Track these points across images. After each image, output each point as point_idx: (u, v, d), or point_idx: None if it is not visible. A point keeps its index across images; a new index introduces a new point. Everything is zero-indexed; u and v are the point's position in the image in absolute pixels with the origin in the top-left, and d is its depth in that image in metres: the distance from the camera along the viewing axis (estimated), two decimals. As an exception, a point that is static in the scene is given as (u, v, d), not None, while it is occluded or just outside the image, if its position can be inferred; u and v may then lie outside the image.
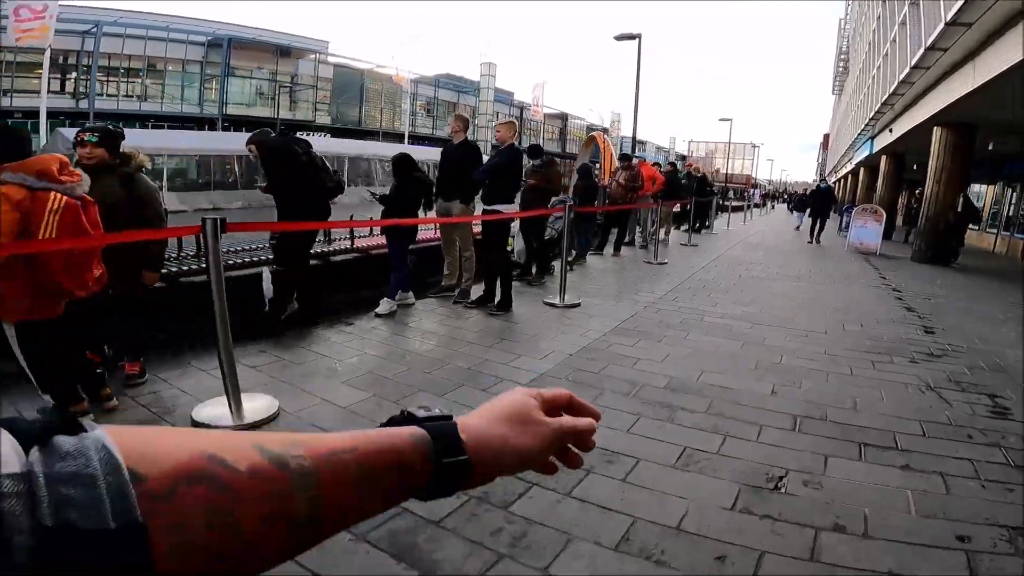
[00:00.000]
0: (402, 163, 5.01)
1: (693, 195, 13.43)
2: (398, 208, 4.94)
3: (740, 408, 3.13)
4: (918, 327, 5.32)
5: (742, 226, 18.77)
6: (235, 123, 27.79)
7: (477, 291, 5.40)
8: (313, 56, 32.69)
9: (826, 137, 65.94)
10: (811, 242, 12.91)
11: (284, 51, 31.03)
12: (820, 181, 15.43)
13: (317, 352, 3.79)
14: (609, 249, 9.22)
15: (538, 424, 0.49)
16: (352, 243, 5.72)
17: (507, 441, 0.47)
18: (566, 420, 0.52)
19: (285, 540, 0.35)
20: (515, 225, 6.91)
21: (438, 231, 5.98)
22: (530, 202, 6.40)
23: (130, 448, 0.29)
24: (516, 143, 5.24)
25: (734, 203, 28.13)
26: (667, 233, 11.49)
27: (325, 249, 5.54)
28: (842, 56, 38.35)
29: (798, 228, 18.46)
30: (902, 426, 3.01)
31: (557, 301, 5.51)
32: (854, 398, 3.36)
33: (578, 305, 5.48)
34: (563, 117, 54.58)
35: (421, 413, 0.46)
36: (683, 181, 13.82)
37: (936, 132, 10.77)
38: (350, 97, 34.66)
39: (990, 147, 11.76)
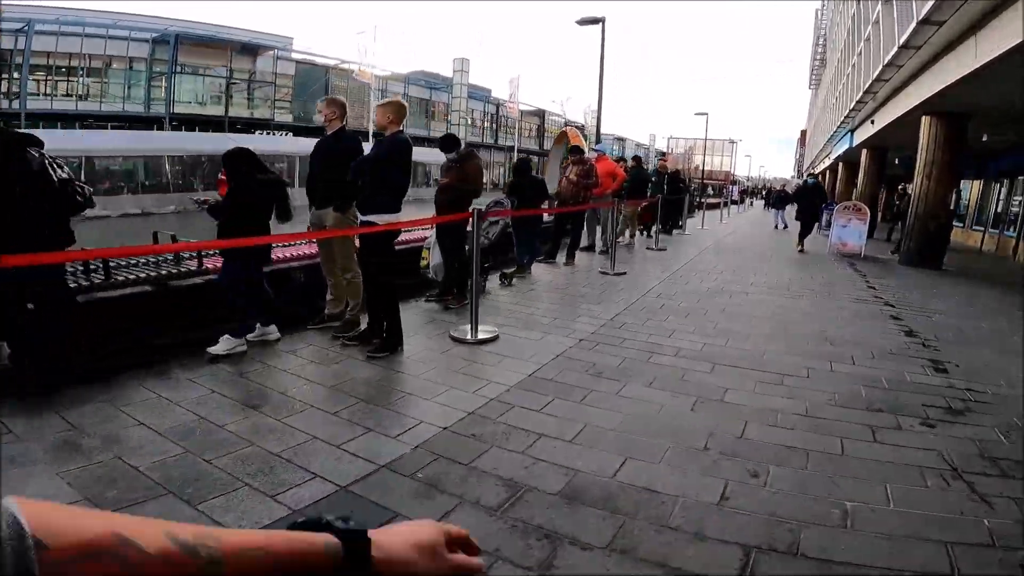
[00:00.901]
0: (237, 159, 3.76)
1: (662, 193, 12.34)
2: (238, 221, 3.68)
3: (663, 537, 1.94)
4: (924, 362, 4.19)
5: (718, 225, 17.74)
6: (186, 123, 26.26)
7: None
8: (272, 52, 31.13)
9: (803, 133, 65.69)
10: (801, 250, 10.61)
11: (239, 48, 29.48)
12: (808, 176, 12.94)
13: (68, 423, 2.52)
14: (563, 257, 8.03)
15: (442, 559, 0.54)
16: (200, 264, 4.42)
17: (414, 567, 0.52)
18: (461, 559, 0.57)
19: None
20: (432, 235, 5.70)
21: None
22: (443, 206, 5.18)
23: (39, 519, 0.31)
24: (403, 130, 4.00)
25: (711, 200, 27.27)
26: (632, 236, 10.34)
27: (163, 272, 4.24)
28: (819, 48, 37.67)
29: (776, 227, 17.48)
30: (925, 560, 1.85)
31: (468, 335, 4.29)
32: (845, 508, 2.19)
33: (495, 339, 4.28)
34: (540, 114, 53.42)
35: (339, 524, 0.48)
36: (653, 178, 12.73)
37: (924, 122, 9.76)
38: (313, 94, 33.07)
39: (984, 139, 10.79)
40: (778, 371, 3.76)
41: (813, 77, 43.70)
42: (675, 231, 13.30)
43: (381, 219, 3.70)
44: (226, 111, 24.67)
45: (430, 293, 5.52)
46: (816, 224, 15.02)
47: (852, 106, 14.23)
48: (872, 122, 13.82)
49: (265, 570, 0.41)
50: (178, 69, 26.74)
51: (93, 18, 24.85)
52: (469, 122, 44.82)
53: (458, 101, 41.85)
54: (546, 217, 11.02)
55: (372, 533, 0.50)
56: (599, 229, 9.23)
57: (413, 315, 4.79)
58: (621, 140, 69.64)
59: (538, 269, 7.26)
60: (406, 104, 4.07)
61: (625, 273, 7.33)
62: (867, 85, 11.97)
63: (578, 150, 7.93)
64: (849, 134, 18.74)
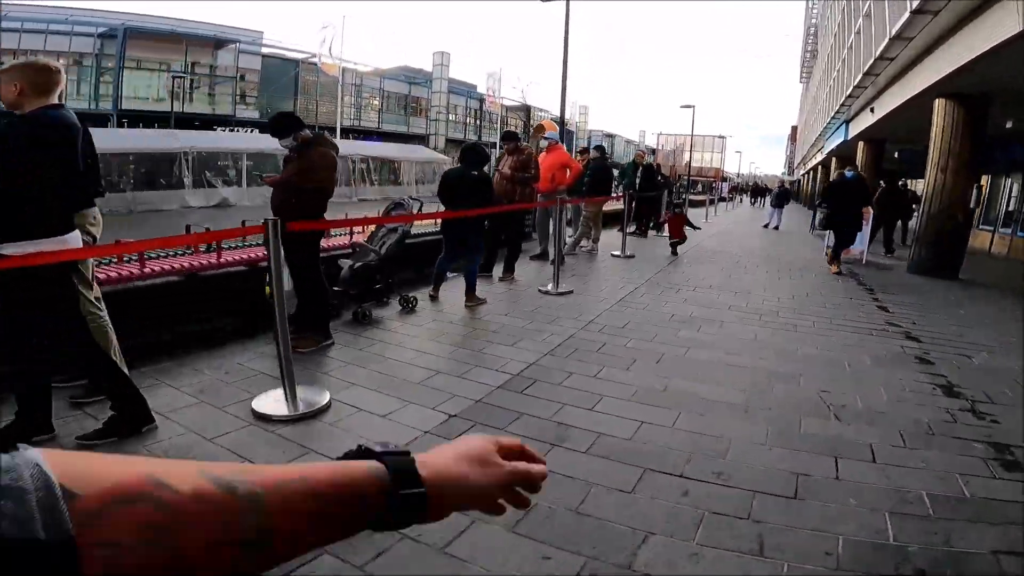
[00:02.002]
0: None
1: (634, 189, 10.82)
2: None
3: None
4: (985, 451, 2.65)
5: (703, 223, 16.22)
6: (136, 119, 24.51)
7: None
8: (234, 46, 29.42)
9: (794, 129, 64.47)
10: (838, 271, 7.79)
11: (200, 42, 27.79)
12: (847, 168, 8.77)
13: None
14: (501, 270, 6.47)
15: (496, 466, 0.52)
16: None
17: (466, 478, 0.49)
18: (520, 465, 0.54)
19: (231, 565, 0.34)
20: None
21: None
22: (279, 209, 3.62)
23: (65, 468, 0.30)
24: (60, 104, 2.46)
25: (698, 197, 25.79)
26: (595, 241, 8.79)
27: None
28: (810, 38, 36.27)
29: (767, 226, 16.00)
30: None
31: (284, 408, 2.75)
32: None
33: (323, 411, 2.75)
34: (526, 109, 51.84)
35: (378, 448, 0.46)
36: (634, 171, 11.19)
37: (939, 107, 8.27)
38: (279, 88, 31.40)
39: (1008, 125, 9.31)
40: (748, 486, 2.22)
41: (804, 70, 42.34)
42: (651, 232, 11.78)
43: (18, 248, 2.07)
44: (172, 106, 22.92)
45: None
46: (856, 235, 13.59)
47: (849, 92, 12.75)
48: (872, 110, 12.36)
49: (308, 501, 0.39)
50: (126, 64, 25.13)
51: (34, 14, 23.13)
52: (453, 117, 43.35)
53: (438, 96, 40.19)
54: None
55: (416, 455, 0.47)
56: (551, 235, 7.67)
57: (214, 376, 3.22)
58: (610, 136, 68.21)
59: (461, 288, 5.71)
60: (54, 67, 2.45)
61: (571, 292, 5.79)
62: (868, 66, 10.48)
63: (512, 136, 6.37)
64: (844, 126, 17.30)
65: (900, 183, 14.08)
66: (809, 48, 37.07)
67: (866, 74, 10.70)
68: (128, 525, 0.30)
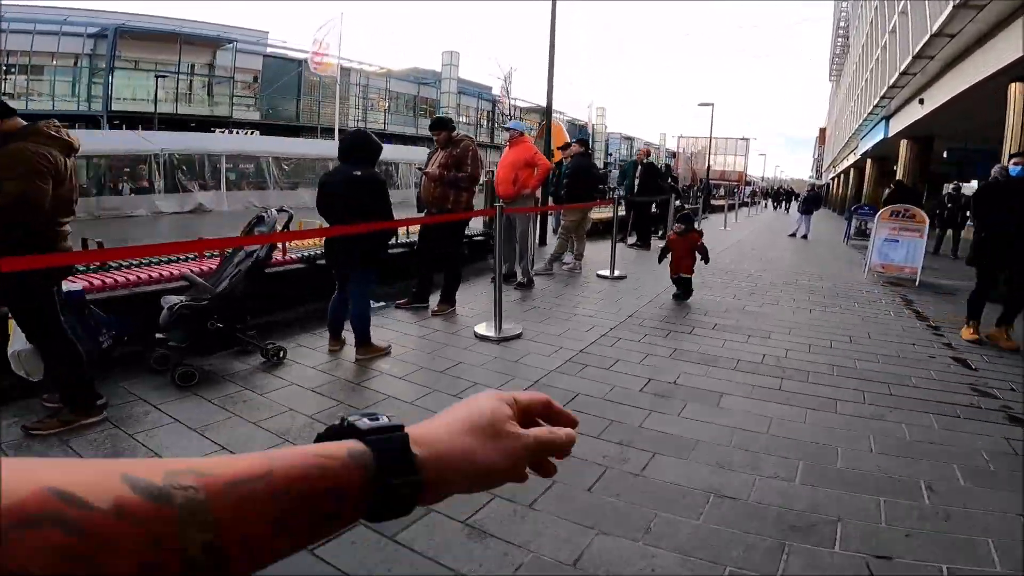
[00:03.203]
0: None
1: (631, 192, 9.19)
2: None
3: None
4: None
5: (721, 232, 14.44)
6: (130, 121, 23.60)
7: None
8: (230, 45, 28.49)
9: (822, 131, 61.57)
10: (976, 337, 4.57)
11: (194, 41, 26.96)
12: (1012, 160, 4.78)
13: None
14: (439, 299, 4.90)
15: (511, 438, 0.42)
16: None
17: (472, 456, 0.40)
18: (542, 433, 0.45)
19: None
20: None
21: None
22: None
23: None
24: None
25: (719, 202, 23.84)
26: (579, 257, 7.15)
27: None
28: (840, 34, 33.99)
29: (795, 235, 14.15)
30: None
31: None
32: None
33: None
34: (540, 111, 50.27)
35: (364, 424, 0.38)
36: (609, 171, 9.55)
37: (1015, 92, 6.50)
38: (280, 89, 30.38)
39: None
40: None
41: (833, 68, 39.95)
42: (656, 241, 10.10)
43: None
44: (155, 107, 21.98)
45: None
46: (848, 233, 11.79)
47: (893, 81, 10.90)
48: (921, 101, 10.49)
49: (269, 504, 0.31)
50: (121, 65, 24.34)
51: (26, 14, 22.49)
52: (464, 119, 42.05)
53: (447, 96, 38.83)
54: (478, 224, 7.84)
55: (410, 428, 0.39)
56: (518, 249, 6.08)
57: None
58: (629, 139, 66.13)
59: (391, 326, 4.16)
60: None
61: (519, 336, 4.20)
62: (919, 47, 8.69)
63: (443, 124, 4.76)
64: (884, 123, 15.35)
65: (951, 187, 12.18)
66: (839, 44, 34.77)
67: (917, 57, 8.90)
68: (34, 554, 0.24)
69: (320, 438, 0.38)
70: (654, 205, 12.56)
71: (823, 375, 3.62)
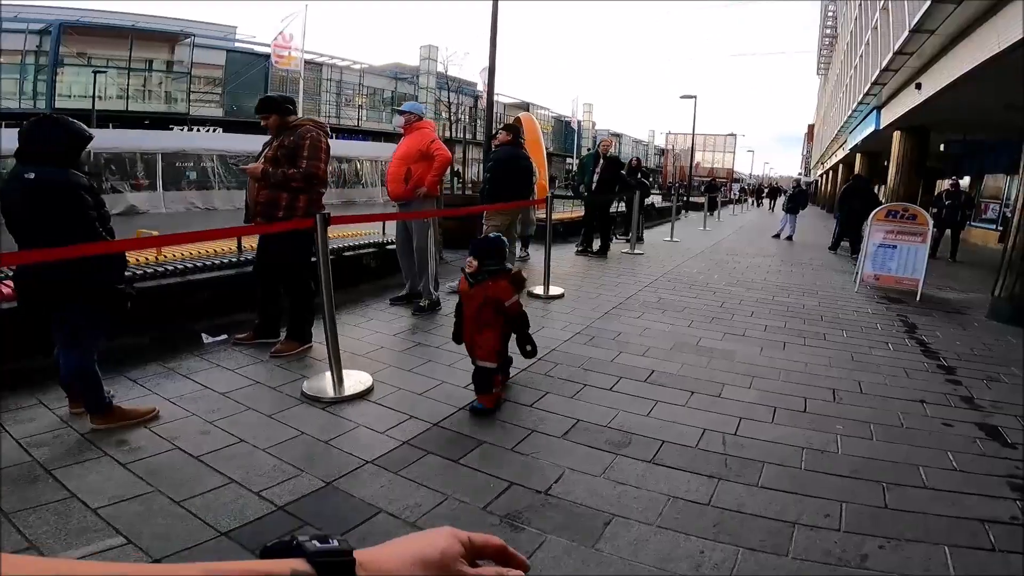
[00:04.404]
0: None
1: (589, 189, 7.98)
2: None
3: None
4: None
5: (699, 232, 13.22)
6: (79, 119, 22.11)
7: None
8: (188, 40, 27.02)
9: (811, 128, 60.58)
10: None
11: (149, 36, 25.56)
12: None
13: None
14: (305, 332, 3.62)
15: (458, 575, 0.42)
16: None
17: None
18: (490, 573, 0.45)
19: None
20: None
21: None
22: None
23: None
24: None
25: (699, 199, 22.63)
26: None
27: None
28: (828, 23, 32.88)
29: (779, 236, 12.95)
30: None
31: None
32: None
33: None
34: (525, 107, 49.08)
35: (312, 546, 0.38)
36: (582, 167, 8.27)
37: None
38: (245, 85, 28.88)
39: None
40: None
41: (821, 61, 38.86)
42: (622, 249, 8.85)
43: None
44: (93, 104, 20.54)
45: None
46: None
47: (886, 64, 9.67)
48: (918, 86, 9.28)
49: None
50: (69, 62, 22.86)
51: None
52: (445, 115, 40.68)
53: (425, 92, 37.42)
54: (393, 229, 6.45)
55: (360, 552, 0.39)
56: (417, 263, 4.79)
57: None
58: (617, 135, 64.86)
59: (200, 369, 2.88)
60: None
61: (366, 394, 2.92)
62: (916, 20, 7.46)
63: (270, 104, 3.44)
64: (875, 113, 14.17)
65: (948, 183, 11.03)
66: (827, 36, 33.66)
67: (915, 31, 7.67)
68: None
69: (265, 553, 0.38)
70: (623, 204, 11.36)
71: (787, 469, 2.35)
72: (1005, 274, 5.12)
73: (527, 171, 5.65)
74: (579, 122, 51.65)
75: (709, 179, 28.15)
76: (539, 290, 5.52)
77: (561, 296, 5.46)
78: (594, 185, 8.15)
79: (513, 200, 5.54)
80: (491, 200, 5.42)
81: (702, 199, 20.23)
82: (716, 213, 19.06)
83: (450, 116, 30.24)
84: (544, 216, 8.11)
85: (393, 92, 39.35)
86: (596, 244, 8.34)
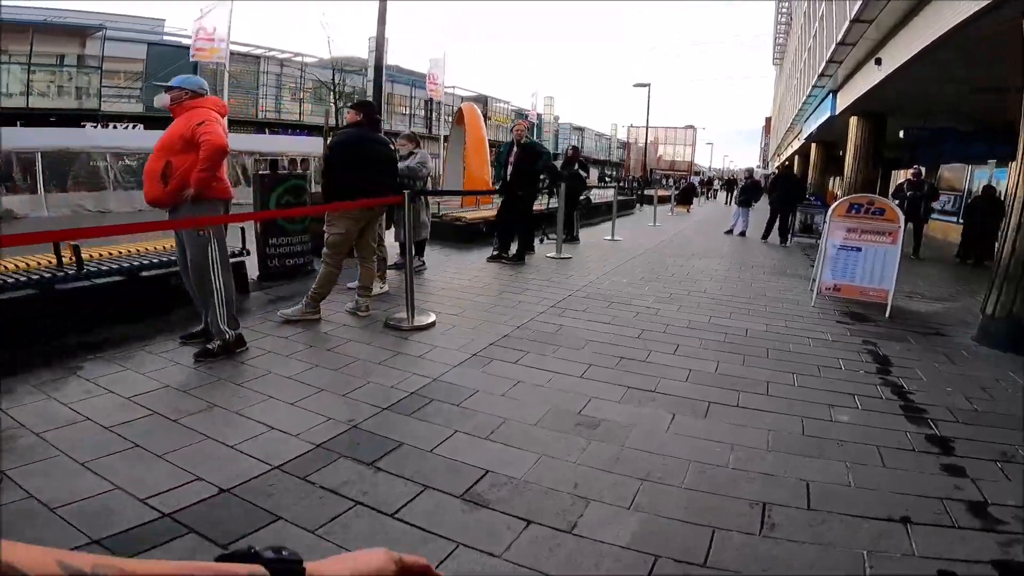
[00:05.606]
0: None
1: (505, 180, 6.66)
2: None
3: None
4: None
5: (648, 229, 12.03)
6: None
7: None
8: (100, 34, 24.64)
9: (768, 121, 60.59)
10: None
11: (51, 30, 23.16)
12: None
13: None
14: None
15: None
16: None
17: None
18: None
19: None
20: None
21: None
22: None
23: None
24: None
25: (665, 192, 21.55)
26: (365, 292, 4.43)
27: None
28: (782, 17, 32.31)
29: (732, 231, 11.85)
30: None
31: None
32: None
33: None
34: (483, 100, 47.41)
35: (268, 554, 0.42)
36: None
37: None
38: (166, 79, 26.56)
39: None
40: None
41: (776, 50, 38.39)
42: (547, 253, 7.50)
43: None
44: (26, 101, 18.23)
45: None
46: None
47: (842, 37, 8.55)
48: (878, 62, 8.18)
49: None
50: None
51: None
52: (404, 109, 38.79)
53: (371, 85, 35.51)
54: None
55: (309, 564, 0.43)
56: (193, 288, 3.33)
57: None
58: (580, 129, 63.70)
59: None
60: None
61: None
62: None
63: None
64: (830, 97, 13.18)
65: (910, 173, 10.10)
66: (781, 23, 33.10)
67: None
68: None
69: (222, 559, 0.40)
70: (545, 200, 10.05)
71: None
72: (1001, 288, 3.93)
73: (381, 158, 4.21)
74: (539, 115, 50.29)
75: (684, 181, 27.14)
76: (401, 315, 4.11)
77: (430, 326, 4.07)
78: (508, 177, 6.79)
79: (365, 198, 4.10)
80: (329, 199, 3.98)
81: (663, 192, 19.23)
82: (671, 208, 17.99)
83: (335, 99, 26.60)
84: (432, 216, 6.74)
85: (336, 83, 37.31)
86: (514, 248, 6.99)
